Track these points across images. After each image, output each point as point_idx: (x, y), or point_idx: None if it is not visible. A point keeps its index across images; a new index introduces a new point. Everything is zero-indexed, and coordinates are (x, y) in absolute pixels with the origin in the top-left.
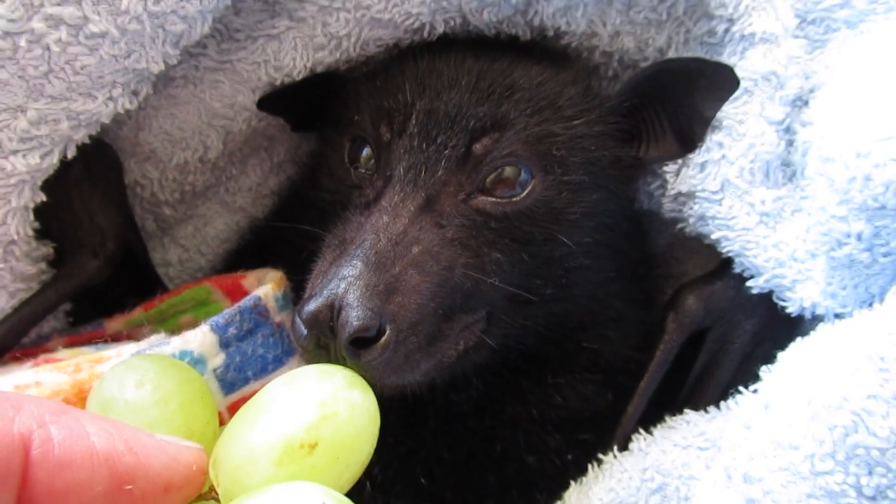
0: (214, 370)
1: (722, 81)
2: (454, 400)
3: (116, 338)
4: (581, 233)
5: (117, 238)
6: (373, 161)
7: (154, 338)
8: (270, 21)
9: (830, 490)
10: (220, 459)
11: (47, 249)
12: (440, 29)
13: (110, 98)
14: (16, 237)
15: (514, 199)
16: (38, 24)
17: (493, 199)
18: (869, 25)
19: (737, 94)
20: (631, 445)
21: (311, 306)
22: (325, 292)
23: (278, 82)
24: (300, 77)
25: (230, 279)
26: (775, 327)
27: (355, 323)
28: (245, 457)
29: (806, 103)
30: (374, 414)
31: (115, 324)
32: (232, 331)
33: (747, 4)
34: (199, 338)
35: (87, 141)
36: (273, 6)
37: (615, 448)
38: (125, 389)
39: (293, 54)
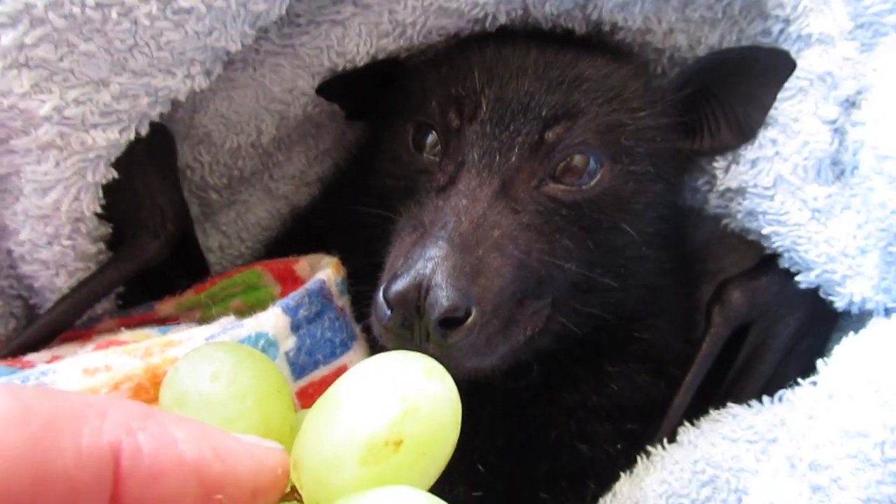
0: (287, 353)
1: (777, 66)
2: (513, 387)
3: (167, 320)
4: (643, 223)
5: (177, 219)
6: (439, 147)
7: (225, 320)
8: (334, 7)
9: None
10: (301, 459)
11: (106, 229)
12: (502, 19)
13: (188, 75)
14: (86, 213)
15: (584, 187)
16: None
17: (564, 187)
18: None
19: (792, 92)
20: (679, 438)
21: (399, 286)
22: (412, 272)
23: (340, 68)
24: (362, 63)
25: (282, 263)
26: (817, 323)
27: (445, 303)
28: (328, 457)
29: (853, 104)
30: (456, 404)
31: (166, 306)
32: (303, 313)
33: (805, 5)
34: (273, 320)
35: (159, 118)
36: None
37: (664, 440)
38: (200, 382)
39: (357, 40)
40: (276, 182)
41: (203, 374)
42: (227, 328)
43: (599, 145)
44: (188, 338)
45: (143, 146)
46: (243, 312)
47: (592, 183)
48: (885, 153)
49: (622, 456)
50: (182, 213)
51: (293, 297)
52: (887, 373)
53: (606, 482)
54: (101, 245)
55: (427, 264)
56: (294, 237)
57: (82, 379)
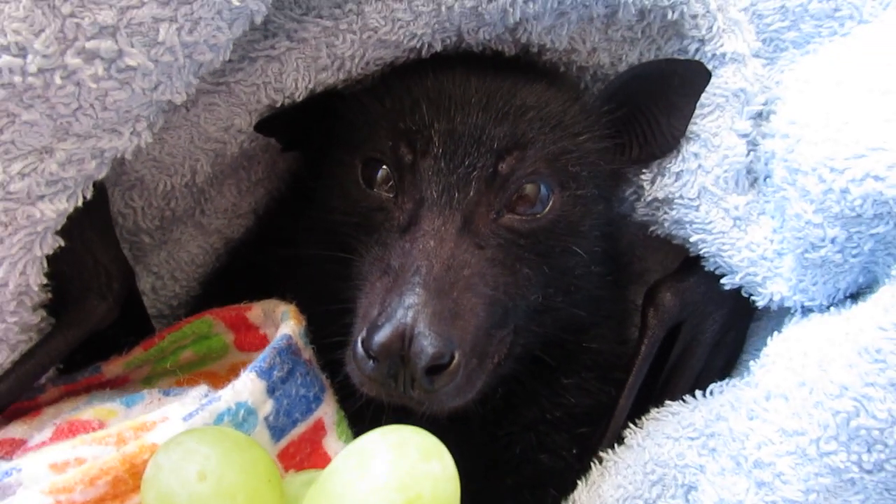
0: (266, 418)
1: (694, 77)
2: (481, 411)
3: (116, 382)
4: (589, 242)
5: (122, 275)
6: (392, 182)
7: (197, 391)
8: (266, 41)
9: (835, 468)
10: None
11: (46, 295)
12: (437, 47)
13: (134, 132)
14: (32, 287)
15: (538, 216)
16: (72, 60)
17: (519, 217)
18: (814, 46)
19: (710, 108)
20: (628, 441)
21: (381, 337)
22: (393, 321)
23: (279, 104)
24: (300, 98)
25: (233, 311)
26: (739, 317)
27: (430, 351)
28: None
29: (760, 115)
30: (456, 479)
31: (113, 367)
32: (276, 374)
33: (719, 26)
34: (250, 386)
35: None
36: (266, 26)
37: (614, 444)
38: (187, 483)
39: (295, 75)
40: (207, 217)
41: (189, 473)
42: (204, 404)
43: (549, 173)
44: (162, 418)
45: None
46: (195, 364)
47: (545, 210)
48: (797, 167)
49: (577, 460)
50: (126, 268)
51: (264, 358)
52: (816, 374)
53: (565, 487)
54: (43, 312)
55: (407, 312)
56: (232, 271)
57: (51, 476)
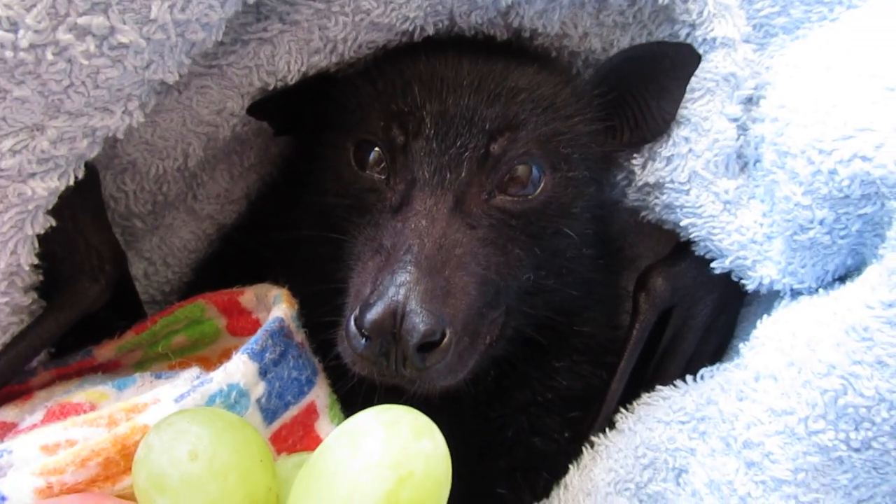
0: (258, 400)
1: (684, 60)
2: (473, 393)
3: (108, 366)
4: (580, 225)
5: (114, 258)
6: (384, 164)
7: (188, 374)
8: (259, 24)
9: (823, 446)
10: None
11: (38, 277)
12: (430, 31)
13: (126, 111)
14: (23, 266)
15: (530, 197)
16: (63, 36)
17: (511, 198)
18: (804, 32)
19: (700, 93)
20: (619, 425)
21: (374, 314)
22: (384, 299)
23: (271, 87)
24: (293, 81)
25: (226, 295)
26: (730, 301)
27: (422, 328)
28: None
29: (751, 100)
30: (448, 457)
31: (105, 351)
32: (269, 356)
33: (709, 11)
34: (242, 368)
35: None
36: (258, 8)
37: (605, 428)
38: (178, 463)
39: (287, 58)
40: (199, 203)
41: (180, 453)
42: (196, 385)
43: (541, 155)
44: (153, 400)
45: (72, 186)
46: (187, 348)
47: (537, 192)
48: (786, 150)
49: (569, 444)
50: (118, 251)
51: (256, 341)
52: (804, 354)
53: (557, 471)
54: (34, 294)
55: (399, 290)
56: (224, 257)
57: (42, 458)
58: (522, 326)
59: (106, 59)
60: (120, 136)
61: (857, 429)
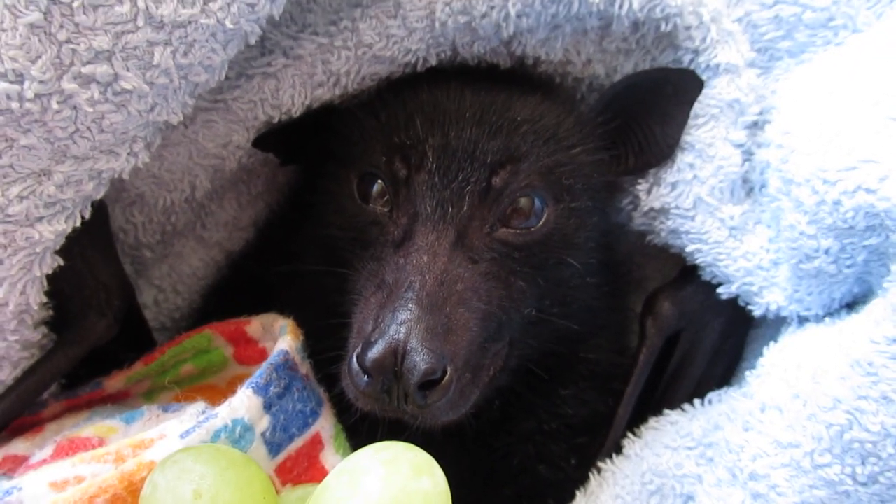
0: (263, 434)
1: (687, 85)
2: (477, 423)
3: (117, 397)
4: (584, 254)
5: (121, 292)
6: (388, 197)
7: (194, 408)
8: (263, 59)
9: (829, 480)
10: None
11: (48, 312)
12: (433, 62)
13: (131, 153)
14: (33, 306)
15: (533, 229)
16: (68, 85)
17: (514, 231)
18: (809, 56)
19: (705, 119)
20: (626, 451)
21: (375, 353)
22: (386, 337)
23: (275, 120)
24: (297, 114)
25: (232, 325)
26: (738, 324)
27: (423, 367)
28: None
29: (756, 125)
30: (447, 494)
31: (114, 382)
32: (273, 390)
33: (713, 38)
34: (246, 403)
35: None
36: (262, 43)
37: (612, 454)
38: (182, 502)
39: (291, 92)
40: (208, 231)
41: (184, 492)
42: (201, 421)
43: (543, 186)
44: (160, 435)
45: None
46: (195, 377)
47: (540, 224)
48: (791, 177)
49: (576, 471)
50: (125, 284)
51: (260, 374)
52: (810, 387)
53: (563, 498)
54: (44, 329)
55: (400, 329)
56: (233, 284)
57: (51, 494)
58: (527, 357)
59: (110, 105)
60: (125, 176)
61: (863, 463)
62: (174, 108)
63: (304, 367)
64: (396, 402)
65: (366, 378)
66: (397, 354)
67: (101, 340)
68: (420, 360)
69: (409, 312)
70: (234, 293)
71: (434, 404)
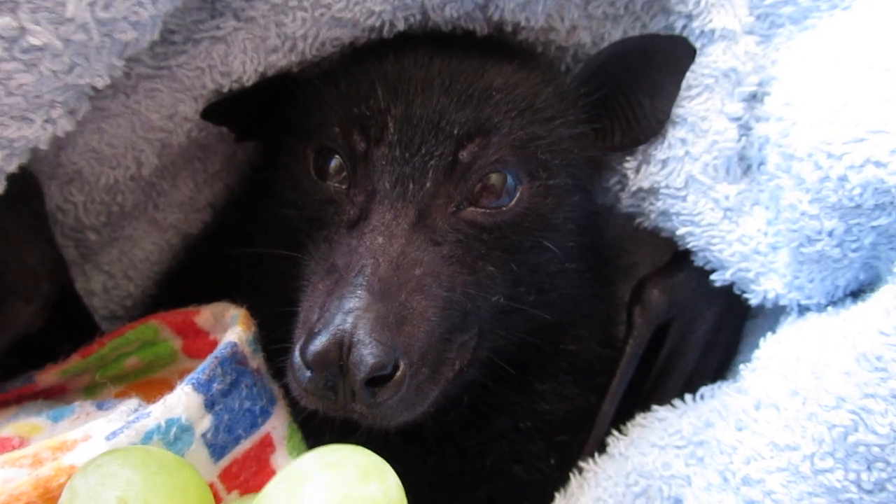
0: (203, 435)
1: (678, 54)
2: (444, 420)
3: (52, 392)
4: (563, 237)
5: (51, 277)
6: (345, 173)
7: (126, 406)
8: (212, 21)
9: (831, 487)
10: None
11: None
12: (400, 26)
13: (48, 120)
14: None
15: (504, 209)
16: None
17: (483, 210)
18: (813, 21)
19: (698, 90)
20: (610, 450)
21: (318, 346)
22: (330, 328)
23: (226, 89)
24: (250, 82)
25: (181, 315)
26: (733, 315)
27: (371, 361)
28: None
29: (755, 97)
30: (400, 500)
31: (48, 376)
32: (217, 386)
33: (707, 1)
34: (184, 401)
35: (16, 170)
36: (213, 4)
37: (595, 453)
38: None
39: (242, 58)
40: (161, 212)
41: (107, 499)
42: (130, 421)
43: (516, 161)
44: (84, 436)
45: (1, 199)
46: (141, 371)
47: (512, 203)
48: (792, 152)
49: (555, 470)
50: (57, 268)
51: (203, 369)
52: (810, 383)
53: (543, 500)
54: None
55: (347, 318)
56: (190, 270)
57: None
58: (499, 348)
59: (18, 64)
60: (43, 146)
61: (869, 469)
62: (98, 71)
63: (256, 361)
64: (343, 399)
65: (308, 373)
66: (343, 347)
67: (29, 328)
68: (367, 353)
69: (357, 300)
70: (190, 279)
71: (384, 403)
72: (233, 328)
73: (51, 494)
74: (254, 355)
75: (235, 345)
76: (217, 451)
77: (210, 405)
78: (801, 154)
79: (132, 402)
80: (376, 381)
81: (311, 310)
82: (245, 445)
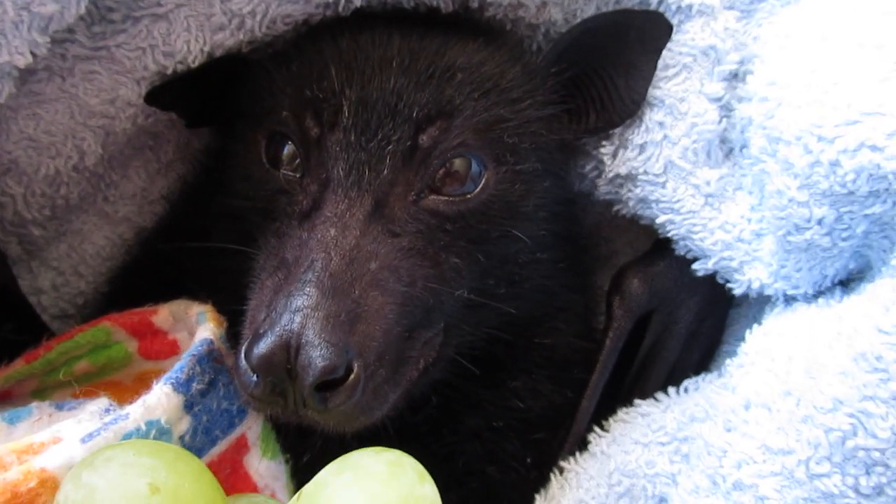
0: (181, 438)
1: (653, 30)
2: (411, 421)
3: None
4: (534, 225)
5: None
6: (299, 161)
7: (95, 405)
8: None
9: (828, 492)
10: None
11: None
12: (357, 2)
13: None
14: None
15: (469, 196)
16: None
17: (445, 198)
18: None
19: (676, 70)
20: (592, 448)
21: (263, 348)
22: (276, 329)
23: (170, 71)
24: (196, 63)
25: (136, 316)
26: (716, 304)
27: (320, 364)
28: None
29: (736, 76)
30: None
31: None
32: (196, 387)
33: None
34: (164, 402)
35: None
36: None
37: (576, 452)
38: (137, 499)
39: (186, 36)
40: (112, 204)
41: (138, 486)
42: (108, 422)
43: (480, 146)
44: (52, 439)
45: None
46: (93, 374)
47: (477, 190)
48: (778, 135)
49: (534, 470)
50: None
51: (181, 368)
52: (804, 383)
53: (518, 500)
54: None
55: (294, 318)
56: (143, 266)
57: None
58: (468, 344)
59: None
60: None
61: (868, 473)
62: (18, 47)
63: (231, 359)
64: (294, 406)
65: (254, 377)
66: (290, 349)
67: None
68: (316, 356)
69: (306, 298)
70: (144, 275)
71: (337, 408)
72: (203, 325)
73: (20, 500)
74: (229, 353)
75: (211, 342)
76: (194, 453)
77: (189, 406)
78: (789, 137)
79: (102, 402)
80: (328, 384)
81: (257, 309)
82: (221, 447)
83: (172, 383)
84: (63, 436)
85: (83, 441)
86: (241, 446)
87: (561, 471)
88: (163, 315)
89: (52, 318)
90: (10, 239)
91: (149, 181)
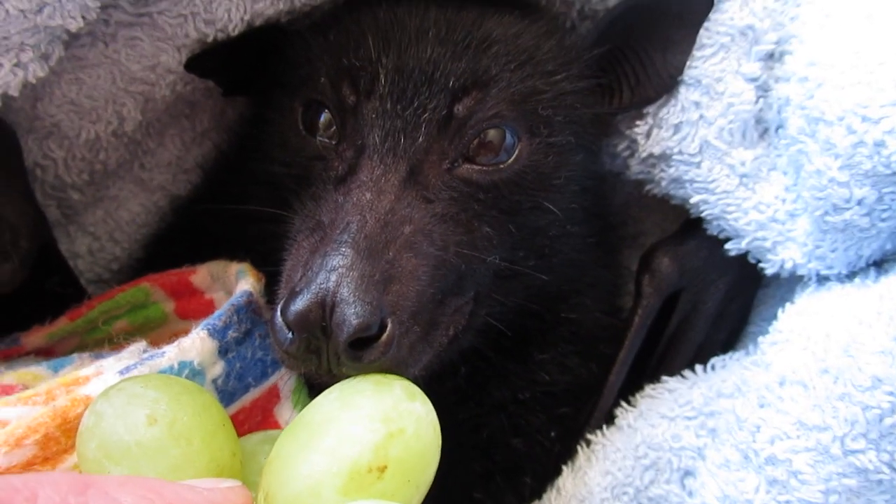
0: (214, 381)
1: (693, 5)
2: (438, 390)
3: (38, 354)
4: (566, 198)
5: (30, 233)
6: (335, 128)
7: (135, 347)
8: None
9: (862, 468)
10: (273, 492)
11: None
12: None
13: (18, 64)
14: None
15: (502, 166)
16: None
17: (479, 167)
18: None
19: (713, 49)
20: (618, 422)
21: (299, 305)
22: (312, 287)
23: (210, 39)
24: (236, 32)
25: (175, 276)
26: (746, 284)
27: (354, 321)
28: (305, 487)
29: (772, 56)
30: (437, 424)
31: (34, 338)
32: (232, 334)
33: None
34: (198, 345)
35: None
36: None
37: (603, 426)
38: (135, 429)
39: (228, 5)
40: (148, 172)
41: (137, 418)
42: (144, 358)
43: (515, 117)
44: (96, 372)
45: None
46: (130, 334)
47: (510, 160)
48: (818, 115)
49: (558, 444)
50: (37, 223)
51: (219, 316)
52: (842, 362)
53: (544, 475)
54: None
55: (330, 276)
56: (177, 232)
57: None
58: (497, 315)
59: None
60: (13, 92)
61: None
62: (71, 11)
63: (269, 313)
64: (328, 364)
65: (290, 335)
66: (325, 307)
67: (7, 287)
68: (351, 313)
69: (341, 257)
70: (179, 242)
71: (372, 365)
72: (244, 279)
73: (69, 425)
74: (267, 307)
75: (251, 294)
76: (226, 397)
77: (223, 352)
78: (831, 117)
79: (140, 345)
80: (361, 342)
81: (293, 269)
82: (254, 394)
83: (209, 329)
84: (104, 370)
85: (121, 373)
86: (272, 395)
87: (588, 443)
88: (201, 275)
89: (88, 283)
90: (49, 202)
91: (184, 149)
